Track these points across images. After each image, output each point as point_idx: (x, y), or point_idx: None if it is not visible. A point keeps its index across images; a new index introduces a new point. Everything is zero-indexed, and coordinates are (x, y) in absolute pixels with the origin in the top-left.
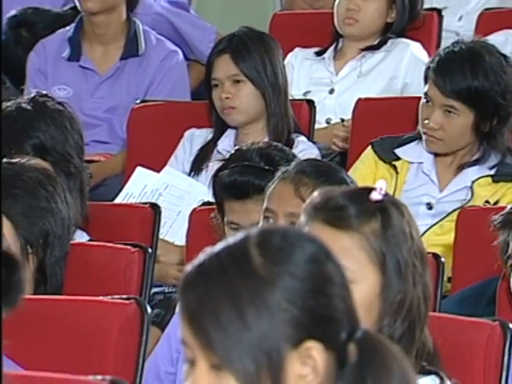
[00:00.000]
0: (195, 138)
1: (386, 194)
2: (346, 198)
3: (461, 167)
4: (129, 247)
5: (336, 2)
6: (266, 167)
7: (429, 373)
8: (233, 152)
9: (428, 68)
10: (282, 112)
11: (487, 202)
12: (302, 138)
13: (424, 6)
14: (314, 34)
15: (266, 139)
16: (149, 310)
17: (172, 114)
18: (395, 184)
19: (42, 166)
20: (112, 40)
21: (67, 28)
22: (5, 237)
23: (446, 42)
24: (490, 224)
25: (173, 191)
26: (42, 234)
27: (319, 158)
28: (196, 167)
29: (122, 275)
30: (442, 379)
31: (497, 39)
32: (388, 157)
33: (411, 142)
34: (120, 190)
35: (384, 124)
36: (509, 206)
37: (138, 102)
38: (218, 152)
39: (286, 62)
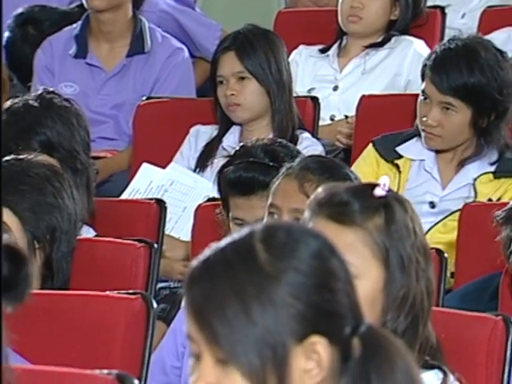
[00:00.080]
0: (200, 134)
1: (390, 190)
2: (349, 194)
3: (461, 163)
4: (135, 242)
5: (340, 0)
6: (271, 163)
7: (432, 367)
8: (238, 148)
9: (425, 65)
10: (287, 109)
11: (490, 200)
12: (307, 135)
13: (427, 3)
14: (318, 32)
15: (271, 136)
16: (154, 304)
17: (177, 110)
18: (398, 183)
19: (48, 162)
20: (118, 37)
21: (74, 25)
22: (12, 232)
23: None
24: (493, 220)
25: (178, 187)
26: (48, 229)
27: (323, 154)
28: (201, 163)
29: (128, 270)
30: (445, 373)
31: (499, 36)
32: (390, 155)
33: (411, 138)
34: (126, 186)
35: (387, 121)
36: (511, 202)
37: (143, 98)
38: (223, 148)
39: (290, 59)
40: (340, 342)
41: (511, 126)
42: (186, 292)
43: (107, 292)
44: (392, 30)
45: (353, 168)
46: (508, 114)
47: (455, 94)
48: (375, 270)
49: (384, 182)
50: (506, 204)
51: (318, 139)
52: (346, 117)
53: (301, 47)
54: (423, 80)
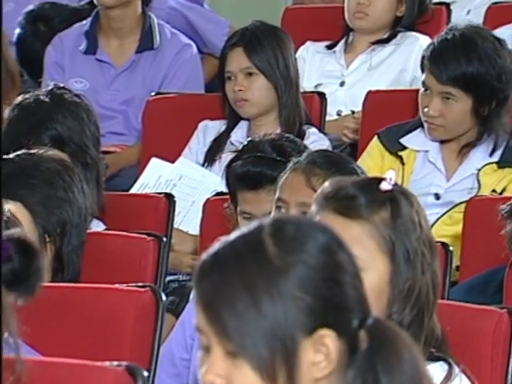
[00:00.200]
0: (209, 129)
1: (396, 184)
2: (356, 188)
3: (465, 152)
4: (144, 236)
5: None
6: (278, 158)
7: (437, 359)
8: (245, 143)
9: (423, 57)
10: (294, 104)
11: (494, 191)
12: (314, 130)
13: (433, 0)
14: (324, 28)
15: (278, 131)
16: (163, 297)
17: (186, 106)
18: (402, 176)
19: (59, 156)
20: (127, 34)
21: (84, 22)
22: (22, 226)
23: None
24: (498, 213)
25: (187, 181)
26: (59, 223)
27: (330, 149)
28: (209, 158)
29: (138, 263)
30: (450, 365)
31: (504, 32)
32: (394, 147)
33: (415, 129)
34: (135, 181)
35: (393, 116)
36: None
37: (152, 94)
38: (231, 143)
39: (297, 56)
40: (348, 335)
41: None
42: (195, 285)
43: (117, 285)
44: (398, 26)
45: (358, 162)
46: (509, 101)
47: (454, 83)
48: (381, 263)
49: (390, 177)
50: (510, 198)
51: (324, 134)
52: (353, 112)
53: (308, 43)
54: (423, 72)
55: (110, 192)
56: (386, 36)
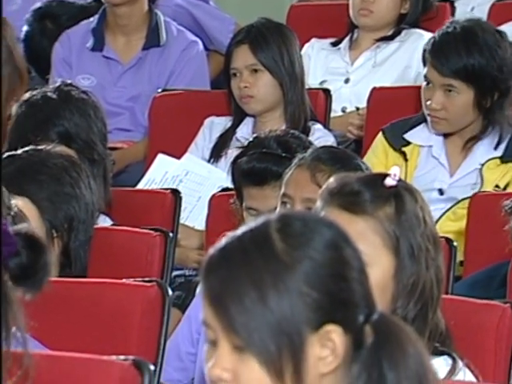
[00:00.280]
0: (215, 125)
1: (400, 180)
2: (361, 184)
3: (470, 146)
4: (150, 231)
5: None
6: (284, 154)
7: (441, 353)
8: (251, 139)
9: (425, 51)
10: (299, 100)
11: (497, 186)
12: (319, 126)
13: None
14: (329, 25)
15: (284, 127)
16: (170, 292)
17: (192, 102)
18: (405, 172)
19: (66, 152)
20: (134, 31)
21: (91, 19)
22: (29, 221)
23: None
24: (501, 209)
25: (193, 177)
26: (66, 218)
27: (335, 145)
28: (215, 154)
29: (144, 259)
30: (454, 360)
31: (509, 29)
32: (398, 143)
33: (419, 124)
34: (142, 177)
35: (398, 112)
36: None
37: (159, 90)
38: (237, 139)
39: (302, 52)
40: (353, 330)
41: None
42: (203, 279)
43: (124, 280)
44: (402, 23)
45: (364, 159)
46: (511, 92)
47: (456, 75)
48: (386, 258)
49: (394, 172)
50: None
51: (329, 130)
52: (357, 109)
53: (313, 40)
54: (425, 65)
55: (117, 188)
56: (390, 33)
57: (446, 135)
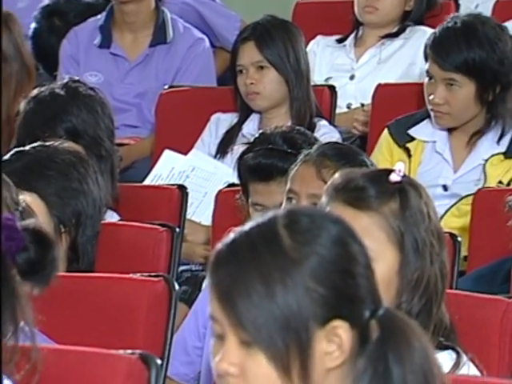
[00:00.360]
0: (221, 122)
1: (405, 176)
2: (366, 180)
3: (474, 141)
4: (157, 227)
5: None
6: (289, 150)
7: (446, 348)
8: (257, 135)
9: (426, 46)
10: (305, 97)
11: (500, 182)
12: (324, 122)
13: None
14: (335, 22)
15: (289, 123)
16: (176, 286)
17: (198, 99)
18: (409, 168)
19: (74, 148)
20: (141, 28)
21: (98, 16)
22: (37, 216)
23: None
24: (505, 205)
25: (199, 173)
26: (74, 214)
27: (340, 141)
28: (222, 150)
29: (151, 254)
30: (458, 354)
31: None
32: (402, 139)
33: (423, 119)
34: (149, 172)
35: (402, 108)
36: None
37: (166, 87)
38: (243, 135)
39: (308, 49)
40: (359, 326)
41: None
42: (211, 274)
43: (131, 275)
44: (407, 20)
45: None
46: None
47: (457, 69)
48: (390, 254)
49: (399, 168)
50: None
51: (334, 127)
52: (362, 105)
53: (318, 37)
54: (427, 61)
55: (124, 183)
56: (395, 30)
57: (449, 130)
